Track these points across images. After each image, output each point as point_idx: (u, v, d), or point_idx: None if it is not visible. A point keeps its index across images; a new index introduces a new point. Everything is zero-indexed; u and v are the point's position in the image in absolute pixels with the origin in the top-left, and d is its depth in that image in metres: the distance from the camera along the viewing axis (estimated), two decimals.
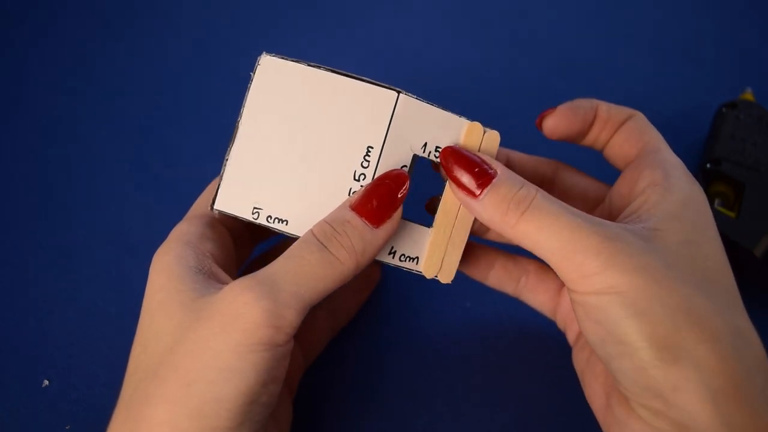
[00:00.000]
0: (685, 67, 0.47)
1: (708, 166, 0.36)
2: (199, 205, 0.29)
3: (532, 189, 0.25)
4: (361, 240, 0.25)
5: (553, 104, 0.44)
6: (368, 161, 0.27)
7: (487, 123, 0.29)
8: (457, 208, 0.29)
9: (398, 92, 0.27)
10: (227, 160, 0.28)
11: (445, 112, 0.28)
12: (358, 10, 0.50)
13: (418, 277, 0.36)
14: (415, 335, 0.35)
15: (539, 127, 0.31)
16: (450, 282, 0.29)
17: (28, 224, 0.38)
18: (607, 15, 0.50)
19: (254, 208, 0.27)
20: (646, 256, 0.23)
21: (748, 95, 0.41)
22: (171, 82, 0.45)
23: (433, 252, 0.29)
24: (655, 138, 0.29)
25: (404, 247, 0.28)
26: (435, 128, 0.28)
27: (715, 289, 0.24)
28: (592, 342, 0.24)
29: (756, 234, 0.33)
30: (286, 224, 0.27)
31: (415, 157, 0.28)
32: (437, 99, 0.28)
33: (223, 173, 0.28)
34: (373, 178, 0.27)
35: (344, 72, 0.27)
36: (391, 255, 0.28)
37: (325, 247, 0.25)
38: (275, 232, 0.28)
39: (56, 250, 0.37)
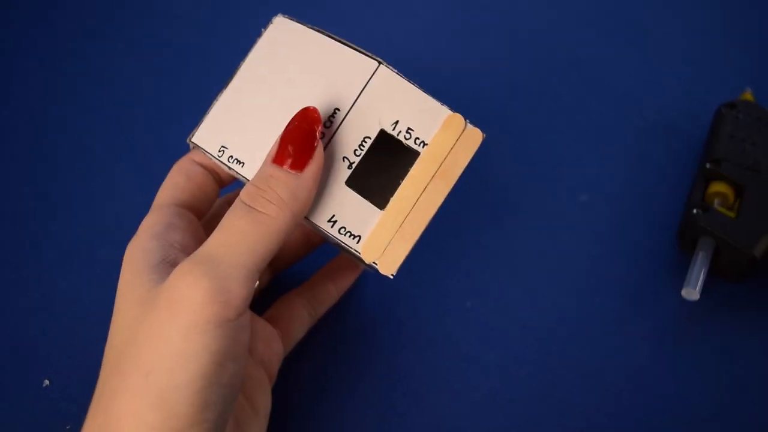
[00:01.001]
0: (685, 67, 0.47)
1: (708, 166, 0.36)
2: (165, 194, 0.29)
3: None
4: (287, 188, 0.25)
5: (553, 104, 0.44)
6: (331, 122, 0.27)
7: (486, 123, 0.28)
8: (416, 196, 0.27)
9: (379, 62, 0.27)
10: (215, 101, 0.29)
11: (427, 95, 0.27)
12: (358, 10, 0.50)
13: (418, 277, 0.36)
14: (415, 335, 0.35)
15: None
16: (392, 275, 0.26)
17: (28, 224, 0.38)
18: (607, 15, 0.50)
19: (221, 146, 0.28)
20: None
21: (748, 95, 0.41)
22: (171, 81, 0.45)
23: (377, 235, 0.27)
24: None
25: (347, 220, 0.27)
26: (412, 109, 0.27)
27: None
28: None
29: (756, 234, 0.33)
30: (242, 166, 0.28)
31: (383, 133, 0.27)
32: (436, 98, 0.28)
33: (207, 112, 0.29)
34: (330, 140, 0.27)
35: (338, 38, 0.28)
36: (331, 224, 0.27)
37: (252, 207, 0.25)
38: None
39: (56, 250, 0.37)
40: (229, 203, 0.31)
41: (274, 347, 0.31)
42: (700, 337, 0.35)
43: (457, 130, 0.27)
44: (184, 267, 0.24)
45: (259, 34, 0.30)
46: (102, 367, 0.25)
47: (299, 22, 0.29)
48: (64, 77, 0.45)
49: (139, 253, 0.26)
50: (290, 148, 0.26)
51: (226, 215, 0.25)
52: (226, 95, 0.29)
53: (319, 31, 0.28)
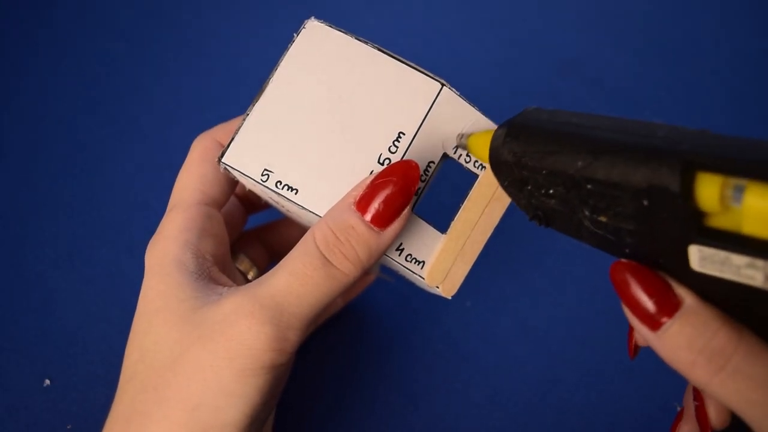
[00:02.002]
0: (684, 69, 0.47)
1: None
2: (192, 186, 0.27)
3: (732, 337, 0.18)
4: (367, 248, 0.24)
5: (553, 104, 0.43)
6: (396, 147, 0.26)
7: None
8: (477, 218, 0.27)
9: (442, 84, 0.26)
10: (248, 114, 0.26)
11: (485, 118, 0.26)
12: (358, 11, 0.50)
13: None
14: (415, 335, 0.35)
15: None
16: (451, 296, 0.27)
17: (28, 224, 0.38)
18: (607, 15, 0.50)
19: (265, 170, 0.25)
20: None
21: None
22: (171, 81, 0.45)
23: (441, 260, 0.26)
24: None
25: (413, 248, 0.26)
26: (458, 127, 0.26)
27: None
28: None
29: None
30: (296, 193, 0.25)
31: (444, 156, 0.26)
32: (489, 117, 0.27)
33: (240, 127, 0.26)
34: None
35: (392, 53, 0.26)
36: (398, 252, 0.26)
37: (329, 261, 0.23)
38: (270, 203, 0.26)
39: (56, 250, 0.37)
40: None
41: None
42: None
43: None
44: (247, 306, 0.23)
45: (290, 39, 0.27)
46: (125, 378, 0.24)
47: (338, 29, 0.27)
48: (64, 77, 0.45)
49: (172, 264, 0.25)
50: (380, 201, 0.23)
51: (297, 255, 0.23)
52: (259, 108, 0.26)
53: (363, 41, 0.26)
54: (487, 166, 0.27)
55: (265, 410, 0.24)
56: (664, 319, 0.19)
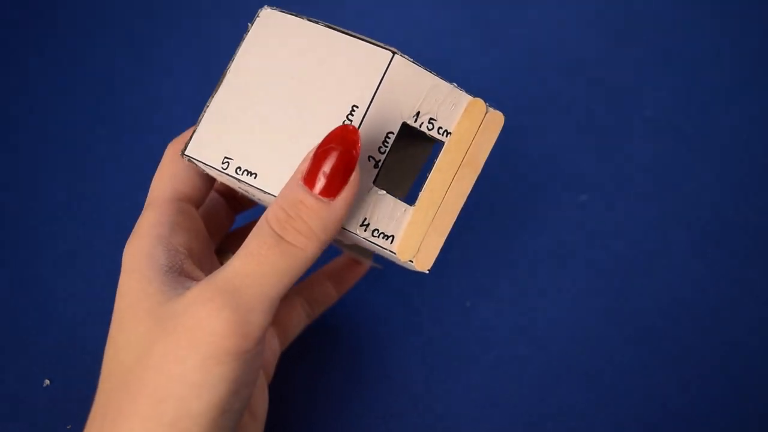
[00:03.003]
0: (685, 68, 0.47)
1: None
2: (163, 185, 0.27)
3: None
4: (319, 219, 0.23)
5: (553, 104, 0.43)
6: (350, 120, 0.25)
7: None
8: (446, 187, 0.26)
9: (393, 52, 0.26)
10: (207, 106, 0.26)
11: (446, 82, 0.26)
12: (358, 11, 0.50)
13: (418, 276, 0.36)
14: (415, 335, 0.35)
15: None
16: (427, 270, 0.26)
17: (28, 224, 0.38)
18: (608, 15, 0.50)
19: (225, 157, 0.25)
20: None
21: None
22: (171, 82, 0.45)
23: (411, 233, 0.26)
24: None
25: (379, 222, 0.26)
26: (431, 98, 0.26)
27: None
28: None
29: None
30: (255, 177, 0.25)
31: (405, 126, 0.26)
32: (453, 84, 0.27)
33: (200, 119, 0.26)
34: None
35: (342, 29, 0.26)
36: (363, 227, 0.25)
37: (282, 237, 0.23)
38: (251, 199, 0.26)
39: (56, 250, 0.37)
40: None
41: (271, 346, 0.30)
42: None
43: (479, 115, 0.26)
44: (205, 293, 0.23)
45: (245, 30, 0.27)
46: (104, 376, 0.25)
47: (290, 13, 0.26)
48: (63, 77, 0.45)
49: (143, 259, 0.25)
50: (324, 171, 0.23)
51: (251, 238, 0.23)
52: (218, 98, 0.26)
53: (315, 21, 0.26)
54: (454, 130, 0.26)
55: (238, 400, 0.23)
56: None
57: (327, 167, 0.23)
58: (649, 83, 0.46)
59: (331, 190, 0.23)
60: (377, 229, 0.26)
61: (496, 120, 0.26)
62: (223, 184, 0.31)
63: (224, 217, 0.31)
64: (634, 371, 0.34)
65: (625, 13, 0.50)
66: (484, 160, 0.27)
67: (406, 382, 0.33)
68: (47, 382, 0.32)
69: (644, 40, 0.49)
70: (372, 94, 0.25)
